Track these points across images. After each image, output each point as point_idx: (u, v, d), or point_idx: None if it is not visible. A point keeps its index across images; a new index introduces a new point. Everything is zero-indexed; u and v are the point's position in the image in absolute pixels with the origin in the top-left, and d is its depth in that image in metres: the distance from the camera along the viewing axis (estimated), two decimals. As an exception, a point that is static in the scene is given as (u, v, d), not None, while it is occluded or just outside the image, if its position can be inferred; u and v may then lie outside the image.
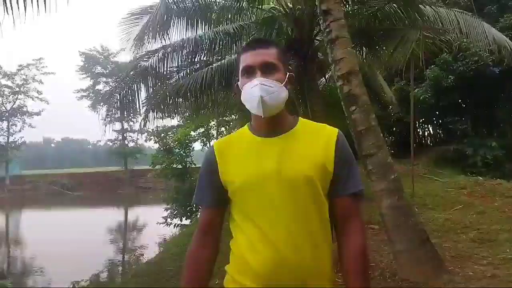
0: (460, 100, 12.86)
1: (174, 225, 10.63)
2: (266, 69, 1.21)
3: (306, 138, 1.25)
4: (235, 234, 1.27)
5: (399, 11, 6.36)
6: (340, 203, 1.25)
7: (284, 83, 1.23)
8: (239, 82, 1.28)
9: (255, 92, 1.18)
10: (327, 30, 3.84)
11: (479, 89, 11.81)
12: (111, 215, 20.21)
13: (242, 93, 1.25)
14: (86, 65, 36.96)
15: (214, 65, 7.53)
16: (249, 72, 1.23)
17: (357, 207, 1.27)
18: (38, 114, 36.09)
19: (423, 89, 11.56)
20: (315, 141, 1.24)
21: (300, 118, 1.33)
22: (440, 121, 14.20)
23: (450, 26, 6.34)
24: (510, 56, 6.87)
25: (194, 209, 10.99)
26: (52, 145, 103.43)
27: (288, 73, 1.27)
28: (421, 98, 11.41)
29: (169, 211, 10.87)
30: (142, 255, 10.22)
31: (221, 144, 1.34)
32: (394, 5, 6.39)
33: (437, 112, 13.22)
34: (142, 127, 8.22)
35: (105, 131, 7.54)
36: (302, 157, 1.21)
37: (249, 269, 1.18)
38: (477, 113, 12.93)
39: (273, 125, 1.25)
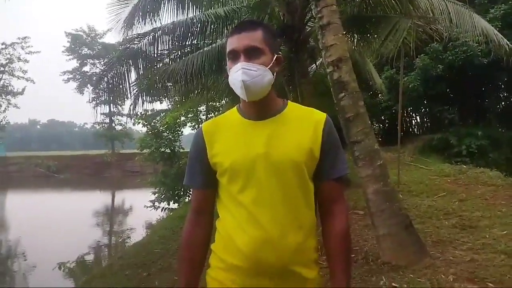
0: (448, 90, 13.02)
1: (162, 209, 10.64)
2: (250, 53, 1.21)
3: (294, 122, 1.27)
4: (222, 214, 1.30)
5: (391, -1, 6.36)
6: (325, 186, 1.29)
7: (269, 66, 1.23)
8: (227, 66, 1.28)
9: (238, 76, 1.19)
10: (319, 15, 3.84)
11: (467, 79, 11.97)
12: (98, 199, 20.10)
13: (229, 77, 1.26)
14: (73, 46, 36.17)
15: (205, 49, 7.46)
16: (234, 56, 1.23)
17: (342, 191, 1.32)
18: (21, 93, 35.32)
19: (412, 78, 11.65)
20: (303, 126, 1.26)
21: (289, 102, 1.34)
22: (427, 109, 14.37)
23: (441, 15, 6.37)
24: (497, 48, 6.95)
25: (182, 193, 11.00)
26: (38, 126, 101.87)
27: (275, 55, 1.27)
28: (410, 86, 11.51)
29: (156, 195, 10.85)
30: (129, 237, 10.23)
31: (209, 126, 1.34)
32: (386, -8, 6.39)
33: (425, 101, 13.37)
34: (131, 111, 8.12)
35: (95, 114, 7.46)
36: (290, 141, 1.23)
37: (235, 247, 1.21)
38: (464, 103, 13.12)
39: (261, 108, 1.27)
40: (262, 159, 1.21)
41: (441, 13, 6.39)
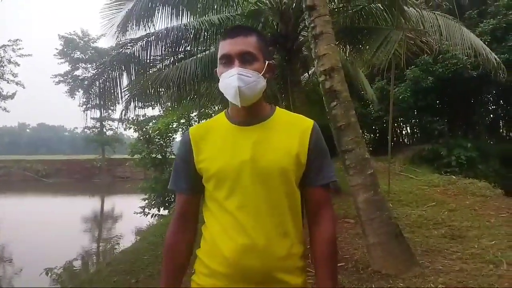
0: (438, 101, 13.22)
1: (152, 215, 10.56)
2: (245, 58, 1.20)
3: (281, 128, 1.26)
4: (208, 220, 1.29)
5: (383, 11, 6.46)
6: (312, 193, 1.28)
7: (262, 72, 1.23)
8: (217, 69, 1.27)
9: (233, 82, 1.18)
10: (312, 25, 3.88)
11: (456, 91, 12.16)
12: (87, 204, 19.88)
13: (220, 81, 1.24)
14: (65, 49, 35.87)
15: (199, 55, 7.47)
16: (228, 60, 1.22)
17: (328, 197, 1.30)
18: (12, 97, 34.88)
19: (403, 89, 11.80)
20: (290, 132, 1.25)
21: (277, 107, 1.34)
22: (418, 120, 14.56)
23: (431, 28, 6.48)
24: (485, 61, 7.08)
25: (172, 200, 10.94)
26: (28, 130, 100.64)
27: (267, 62, 1.26)
28: (400, 97, 11.65)
29: (146, 201, 10.78)
30: (118, 244, 10.11)
31: (196, 130, 1.33)
32: (378, 5, 6.49)
33: (415, 112, 13.56)
34: (123, 116, 8.07)
35: (86, 119, 7.37)
36: (277, 148, 1.22)
37: (220, 254, 1.20)
38: (453, 115, 13.32)
39: (250, 113, 1.26)
40: (248, 166, 1.20)
41: (431, 26, 6.50)
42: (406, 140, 15.97)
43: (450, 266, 3.67)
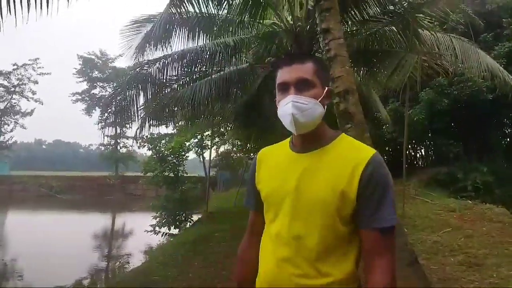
0: (453, 124, 13.04)
1: (162, 234, 10.51)
2: (301, 85, 1.19)
3: (335, 158, 1.20)
4: (263, 237, 1.33)
5: (397, 34, 6.50)
6: (364, 236, 1.17)
7: (320, 99, 1.20)
8: (276, 98, 1.26)
9: (287, 109, 1.17)
10: (327, 48, 3.92)
11: (472, 114, 11.99)
12: (99, 221, 19.92)
13: (278, 109, 1.23)
14: (84, 69, 36.89)
15: (213, 76, 7.59)
16: (284, 88, 1.21)
17: (384, 243, 1.15)
18: (30, 114, 35.83)
19: (417, 111, 11.70)
20: (342, 164, 1.18)
21: (342, 134, 1.28)
22: (432, 143, 14.35)
23: (446, 51, 6.48)
24: (502, 84, 7.00)
25: (183, 219, 10.91)
26: (44, 146, 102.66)
27: (326, 88, 1.24)
28: (415, 119, 11.55)
29: (157, 219, 10.75)
30: (128, 263, 10.07)
31: (263, 152, 1.40)
32: (393, 27, 6.53)
33: (430, 134, 13.37)
34: (138, 134, 8.20)
35: (103, 137, 7.55)
36: (323, 179, 1.17)
37: (259, 274, 1.27)
38: (469, 138, 13.10)
39: (308, 140, 1.24)
40: (292, 193, 1.19)
41: (446, 48, 6.50)
42: (420, 163, 15.71)
43: (469, 296, 3.54)
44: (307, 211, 1.17)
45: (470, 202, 8.87)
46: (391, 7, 6.51)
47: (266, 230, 1.29)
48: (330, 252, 1.16)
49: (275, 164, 1.30)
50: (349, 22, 6.51)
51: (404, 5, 6.54)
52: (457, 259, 4.78)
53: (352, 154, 1.19)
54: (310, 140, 1.24)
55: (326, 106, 1.24)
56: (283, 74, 1.22)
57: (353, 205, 1.15)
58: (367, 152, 1.19)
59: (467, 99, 11.18)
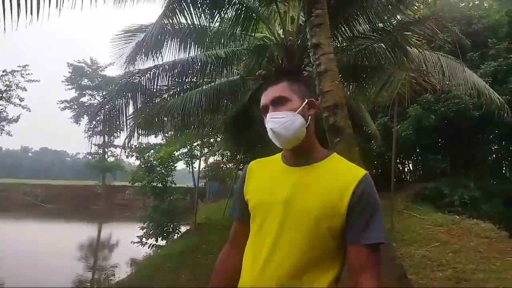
0: (440, 140, 13.22)
1: (149, 246, 10.34)
2: (276, 103, 1.26)
3: (327, 175, 1.23)
4: (247, 245, 1.33)
5: (386, 51, 6.60)
6: (352, 251, 1.18)
7: (298, 110, 1.25)
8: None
9: (268, 126, 1.25)
10: (317, 62, 3.96)
11: (459, 130, 12.20)
12: (84, 231, 19.58)
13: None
14: (73, 76, 36.54)
15: (204, 87, 7.60)
16: (265, 111, 1.30)
17: (371, 260, 1.16)
18: (16, 120, 35.24)
19: (405, 126, 11.85)
20: (334, 180, 1.21)
21: (334, 154, 1.32)
22: (420, 158, 14.51)
23: (434, 68, 6.60)
24: (488, 102, 7.15)
25: (170, 230, 10.76)
26: (30, 154, 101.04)
27: (306, 99, 1.28)
28: (402, 134, 11.69)
29: (144, 230, 10.58)
30: (113, 274, 9.87)
31: (254, 164, 1.41)
32: (381, 44, 6.64)
33: (417, 150, 13.52)
34: (126, 143, 8.10)
35: (90, 145, 7.45)
36: (314, 193, 1.19)
37: (241, 281, 1.27)
38: (456, 153, 13.28)
39: (298, 155, 1.28)
40: (281, 205, 1.21)
41: (434, 66, 6.62)
42: (408, 177, 15.86)
43: (456, 312, 3.54)
44: (295, 223, 1.18)
45: (457, 217, 8.95)
46: (380, 25, 6.62)
47: (250, 239, 1.29)
48: (314, 266, 1.17)
49: (266, 175, 1.33)
50: (339, 38, 6.59)
51: (393, 23, 6.68)
52: (445, 274, 4.80)
53: (344, 172, 1.24)
54: (301, 155, 1.28)
55: (310, 117, 1.28)
56: (262, 99, 1.31)
57: (342, 220, 1.17)
58: (359, 171, 1.23)
59: (454, 116, 11.37)
